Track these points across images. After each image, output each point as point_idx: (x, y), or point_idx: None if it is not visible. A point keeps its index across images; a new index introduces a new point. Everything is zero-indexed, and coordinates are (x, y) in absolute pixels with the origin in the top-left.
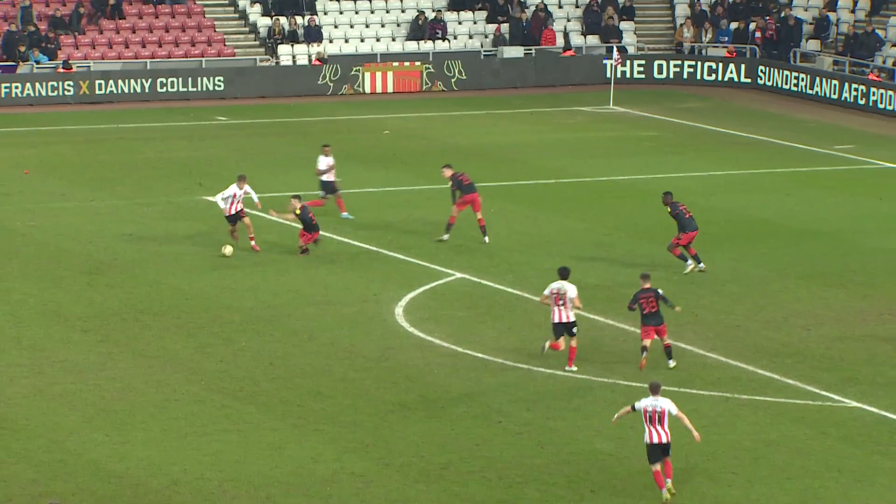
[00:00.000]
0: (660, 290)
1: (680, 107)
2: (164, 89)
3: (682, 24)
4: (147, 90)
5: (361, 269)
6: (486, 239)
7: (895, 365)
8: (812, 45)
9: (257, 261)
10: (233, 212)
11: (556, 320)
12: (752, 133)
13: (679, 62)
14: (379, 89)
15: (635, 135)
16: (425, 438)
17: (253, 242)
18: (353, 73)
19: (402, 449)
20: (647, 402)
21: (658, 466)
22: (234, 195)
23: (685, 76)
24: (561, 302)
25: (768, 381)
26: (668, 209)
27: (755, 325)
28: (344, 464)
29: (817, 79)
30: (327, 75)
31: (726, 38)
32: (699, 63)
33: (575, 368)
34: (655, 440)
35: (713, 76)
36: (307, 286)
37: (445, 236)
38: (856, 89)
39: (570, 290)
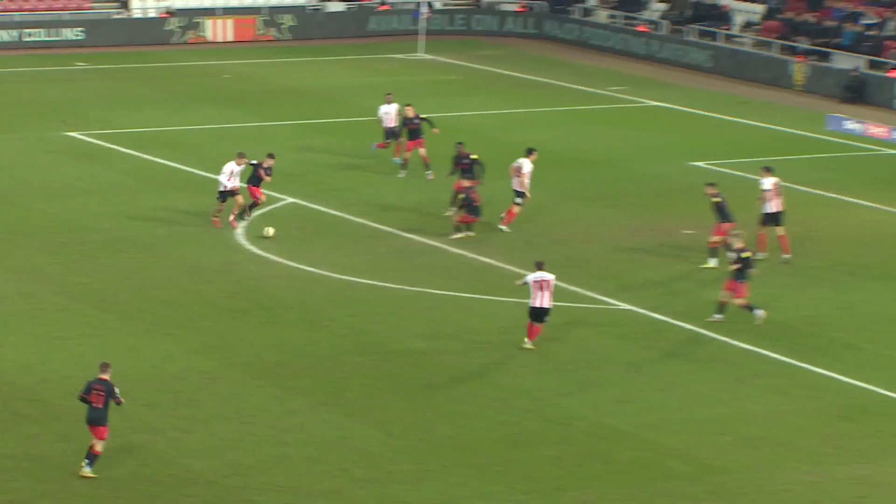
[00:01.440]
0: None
1: (479, 54)
2: (31, 38)
3: None
4: (16, 39)
5: (206, 195)
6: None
7: (660, 272)
8: (591, 1)
9: (114, 187)
10: (229, 187)
11: (537, 305)
12: (541, 77)
13: (478, 16)
14: (220, 38)
15: (441, 78)
16: (262, 340)
17: (232, 218)
18: (196, 23)
19: (243, 350)
20: (535, 276)
21: (532, 323)
22: (232, 171)
23: (483, 28)
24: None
25: (557, 289)
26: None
27: (544, 241)
28: (192, 363)
29: (595, 30)
30: (174, 26)
31: None
32: (495, 16)
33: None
34: (538, 304)
35: (507, 27)
36: (159, 210)
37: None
38: (625, 39)
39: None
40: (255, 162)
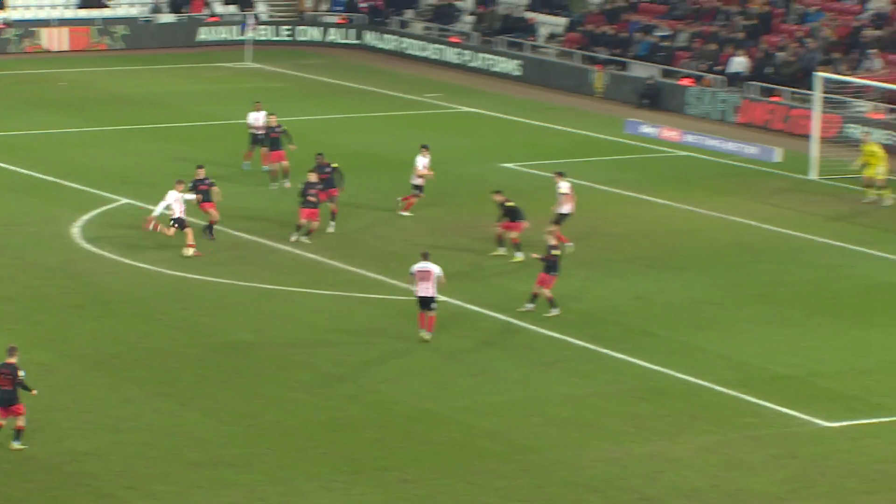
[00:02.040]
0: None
1: (303, 63)
2: None
3: None
4: None
5: (44, 196)
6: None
7: (474, 266)
8: (408, 14)
9: None
10: (177, 214)
11: (421, 294)
12: (361, 84)
13: (303, 27)
14: (56, 47)
15: (267, 86)
16: (98, 333)
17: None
18: (32, 31)
19: (79, 342)
20: (418, 266)
21: (422, 312)
22: (176, 199)
23: (307, 38)
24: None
25: (378, 282)
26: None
27: (366, 237)
28: (31, 355)
29: (412, 41)
30: (10, 35)
31: (340, 7)
32: (318, 28)
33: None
34: (421, 293)
35: (329, 38)
36: None
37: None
38: (440, 49)
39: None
40: (195, 181)
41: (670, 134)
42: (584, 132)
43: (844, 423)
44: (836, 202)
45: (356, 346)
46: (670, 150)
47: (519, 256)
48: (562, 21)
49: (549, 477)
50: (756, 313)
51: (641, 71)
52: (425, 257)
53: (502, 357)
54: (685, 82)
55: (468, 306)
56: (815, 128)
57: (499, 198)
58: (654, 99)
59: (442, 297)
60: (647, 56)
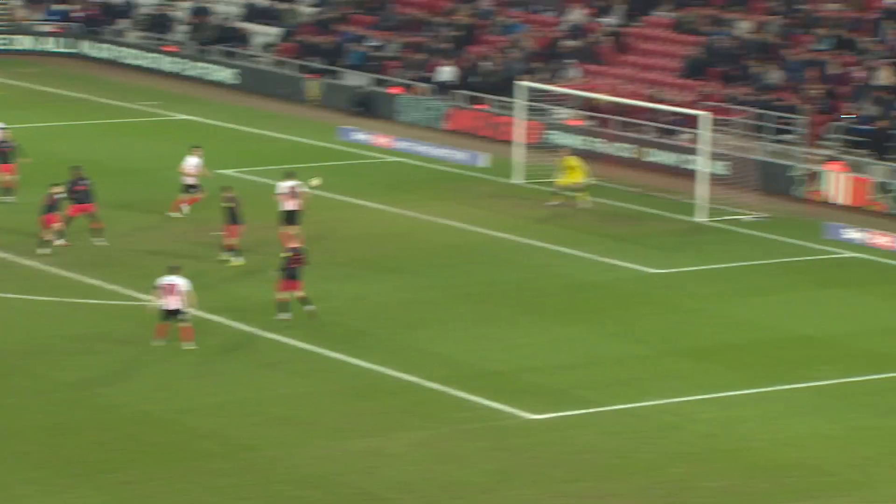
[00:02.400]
0: None
1: (20, 72)
2: None
3: (15, 6)
4: None
5: None
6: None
7: (193, 270)
8: (124, 23)
9: None
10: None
11: (164, 308)
12: (78, 93)
13: (17, 36)
14: None
15: None
16: None
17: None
18: None
19: None
20: (165, 279)
21: (164, 323)
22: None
23: (23, 47)
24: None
25: (97, 287)
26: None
27: (87, 244)
28: None
29: (128, 49)
30: None
31: (56, 17)
32: (33, 37)
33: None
34: (168, 307)
35: (45, 47)
36: None
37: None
38: (156, 58)
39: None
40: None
41: (382, 140)
42: (299, 139)
43: (550, 416)
44: (540, 205)
45: (77, 351)
46: (383, 156)
47: (236, 261)
48: (275, 31)
49: (269, 474)
50: (467, 312)
51: (354, 80)
52: (172, 271)
53: (223, 359)
54: (396, 91)
55: (189, 310)
56: (519, 134)
57: (226, 195)
58: (366, 107)
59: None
60: (359, 65)
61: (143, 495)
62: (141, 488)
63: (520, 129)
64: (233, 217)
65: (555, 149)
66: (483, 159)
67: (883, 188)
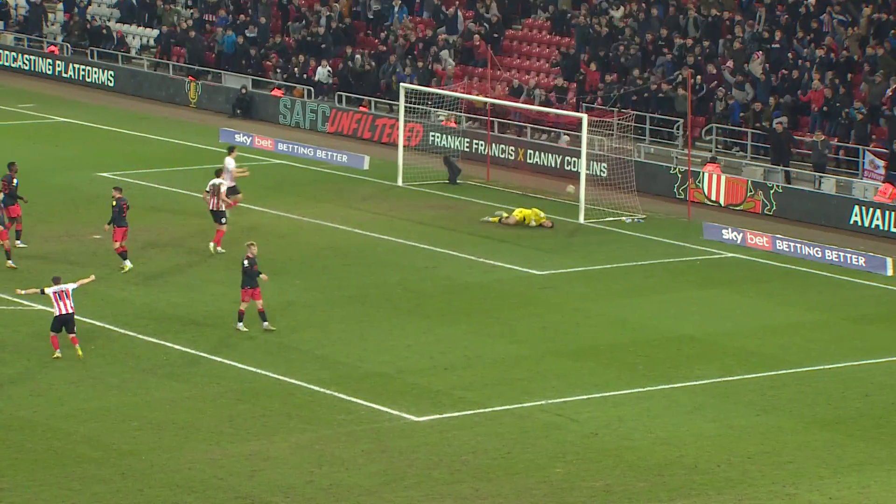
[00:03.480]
0: None
1: None
2: None
3: None
4: None
5: None
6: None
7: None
8: None
9: None
10: None
11: (62, 313)
12: None
13: None
14: None
15: None
16: None
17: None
18: None
19: None
20: (53, 288)
21: (56, 333)
22: None
23: None
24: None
25: None
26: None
27: None
28: None
29: (3, 51)
30: None
31: None
32: None
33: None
34: (61, 312)
35: None
36: None
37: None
38: (32, 59)
39: (71, 286)
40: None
41: (263, 143)
42: (179, 141)
43: (431, 417)
44: (422, 207)
45: None
46: (264, 158)
47: (127, 266)
48: (153, 33)
49: (147, 480)
50: (348, 314)
51: (235, 82)
52: (56, 281)
53: (101, 364)
54: (277, 93)
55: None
56: (401, 136)
57: (116, 195)
58: (246, 109)
59: (38, 306)
60: (231, 53)
61: (19, 502)
62: (16, 495)
63: (402, 131)
64: (118, 219)
65: (436, 151)
66: (366, 162)
67: (758, 188)
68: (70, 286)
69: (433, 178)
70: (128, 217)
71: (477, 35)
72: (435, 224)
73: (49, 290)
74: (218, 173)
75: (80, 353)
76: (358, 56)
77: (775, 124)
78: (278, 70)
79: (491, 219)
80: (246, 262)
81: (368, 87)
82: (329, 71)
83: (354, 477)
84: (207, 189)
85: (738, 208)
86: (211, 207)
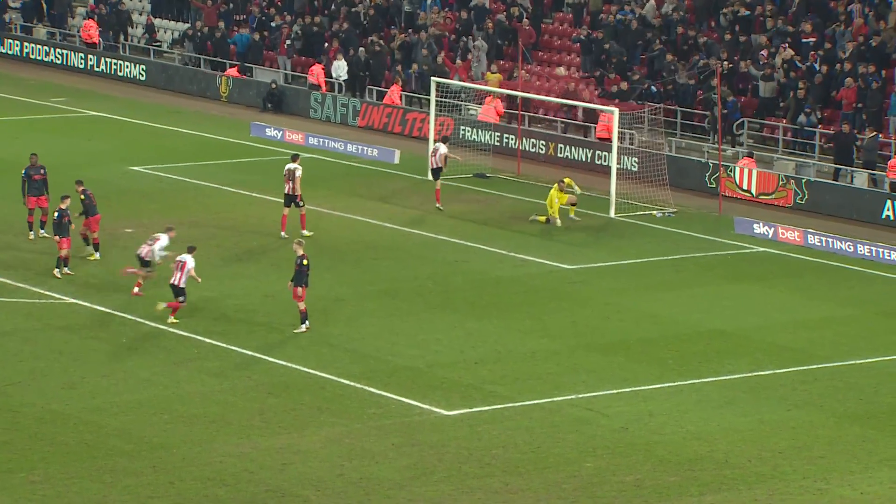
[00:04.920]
0: None
1: None
2: None
3: None
4: None
5: None
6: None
7: (103, 267)
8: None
9: None
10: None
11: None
12: None
13: None
14: None
15: None
16: None
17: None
18: None
19: None
20: (182, 256)
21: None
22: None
23: None
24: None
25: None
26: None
27: None
28: None
29: (31, 45)
30: None
31: None
32: None
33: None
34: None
35: None
36: None
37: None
38: (64, 54)
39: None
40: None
41: (294, 137)
42: (210, 135)
43: (461, 411)
44: (452, 201)
45: None
46: (295, 152)
47: (96, 255)
48: (184, 26)
49: (178, 473)
50: (378, 308)
51: (266, 76)
52: (190, 251)
53: (131, 357)
54: (310, 83)
55: (96, 307)
56: (431, 130)
57: (79, 188)
58: (277, 103)
59: (69, 299)
60: (244, 52)
61: (51, 495)
62: (48, 487)
63: (432, 125)
64: (89, 209)
65: (469, 144)
66: (396, 156)
67: (790, 182)
68: (190, 263)
69: (464, 172)
70: (96, 206)
71: (510, 23)
72: (465, 218)
73: (179, 257)
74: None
75: (172, 318)
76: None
77: (842, 126)
78: (300, 63)
79: (538, 217)
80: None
81: (380, 72)
82: (343, 65)
83: (384, 471)
84: (284, 173)
85: (769, 197)
86: (287, 192)
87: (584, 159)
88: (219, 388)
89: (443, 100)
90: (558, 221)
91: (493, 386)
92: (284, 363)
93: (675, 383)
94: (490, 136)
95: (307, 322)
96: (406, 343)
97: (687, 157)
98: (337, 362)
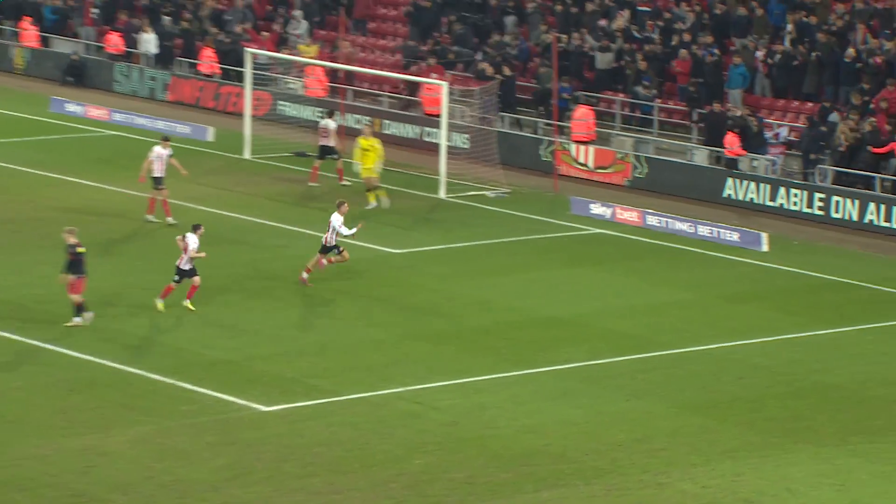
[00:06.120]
0: None
1: None
2: None
3: None
4: None
5: None
6: None
7: None
8: None
9: None
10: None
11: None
12: None
13: None
14: None
15: None
16: None
17: None
18: None
19: None
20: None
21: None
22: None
23: None
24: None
25: None
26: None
27: None
28: None
29: None
30: None
31: None
32: None
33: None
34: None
35: None
36: None
37: None
38: None
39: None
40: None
41: (97, 112)
42: (5, 111)
43: (281, 407)
44: (271, 182)
45: None
46: (98, 129)
47: None
48: None
49: None
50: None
51: (66, 47)
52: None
53: None
54: (112, 56)
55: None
56: (247, 106)
57: None
58: (79, 76)
59: None
60: (52, 22)
61: None
62: None
63: (248, 100)
64: None
65: (288, 120)
66: (210, 133)
67: (627, 155)
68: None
69: (283, 151)
70: None
71: None
72: (285, 200)
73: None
74: (330, 114)
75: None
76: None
77: (714, 105)
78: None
79: (371, 196)
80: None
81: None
82: (153, 38)
83: (199, 472)
84: (151, 157)
85: (607, 171)
86: (154, 174)
87: (411, 136)
88: (15, 386)
89: (259, 73)
90: (385, 201)
91: (315, 379)
92: (88, 357)
93: (509, 374)
94: (312, 111)
95: (86, 314)
96: (222, 335)
97: (520, 134)
98: (146, 356)
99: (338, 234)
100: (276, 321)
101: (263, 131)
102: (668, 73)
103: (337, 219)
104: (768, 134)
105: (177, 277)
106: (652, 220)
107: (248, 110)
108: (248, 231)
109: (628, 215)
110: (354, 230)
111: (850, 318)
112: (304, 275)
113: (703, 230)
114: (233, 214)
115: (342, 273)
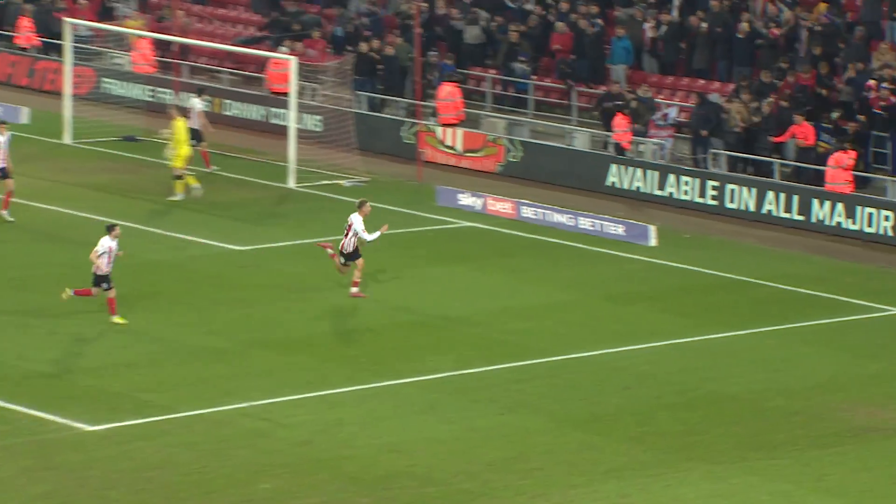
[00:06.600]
0: None
1: None
2: None
3: None
4: None
5: None
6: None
7: None
8: None
9: None
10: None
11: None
12: None
13: None
14: None
15: None
16: None
17: None
18: None
19: None
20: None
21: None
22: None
23: None
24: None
25: None
26: None
27: None
28: None
29: None
30: None
31: None
32: None
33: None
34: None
35: None
36: None
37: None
38: None
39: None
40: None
41: None
42: None
43: (108, 426)
44: (96, 170)
45: None
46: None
47: None
48: None
49: None
50: (4, 302)
51: None
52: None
53: None
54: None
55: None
56: (67, 83)
57: None
58: None
59: None
60: None
61: None
62: None
63: (69, 77)
64: None
65: (113, 100)
66: (23, 114)
67: (500, 138)
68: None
69: (110, 135)
70: None
71: None
72: (112, 190)
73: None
74: (200, 92)
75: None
76: None
77: (611, 85)
78: None
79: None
80: None
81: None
82: None
83: (13, 501)
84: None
85: (477, 154)
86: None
87: (256, 117)
88: None
89: (81, 46)
90: (197, 189)
91: (147, 394)
92: None
93: (369, 385)
94: (142, 90)
95: None
96: (38, 345)
97: (379, 116)
98: None
99: (358, 238)
100: (101, 328)
101: (86, 112)
102: (545, 48)
103: (358, 221)
104: (656, 115)
105: (106, 285)
106: (527, 212)
107: (67, 88)
108: (69, 226)
109: (501, 206)
110: (378, 234)
111: (748, 320)
112: (354, 289)
113: (585, 223)
114: (51, 207)
115: (177, 273)
